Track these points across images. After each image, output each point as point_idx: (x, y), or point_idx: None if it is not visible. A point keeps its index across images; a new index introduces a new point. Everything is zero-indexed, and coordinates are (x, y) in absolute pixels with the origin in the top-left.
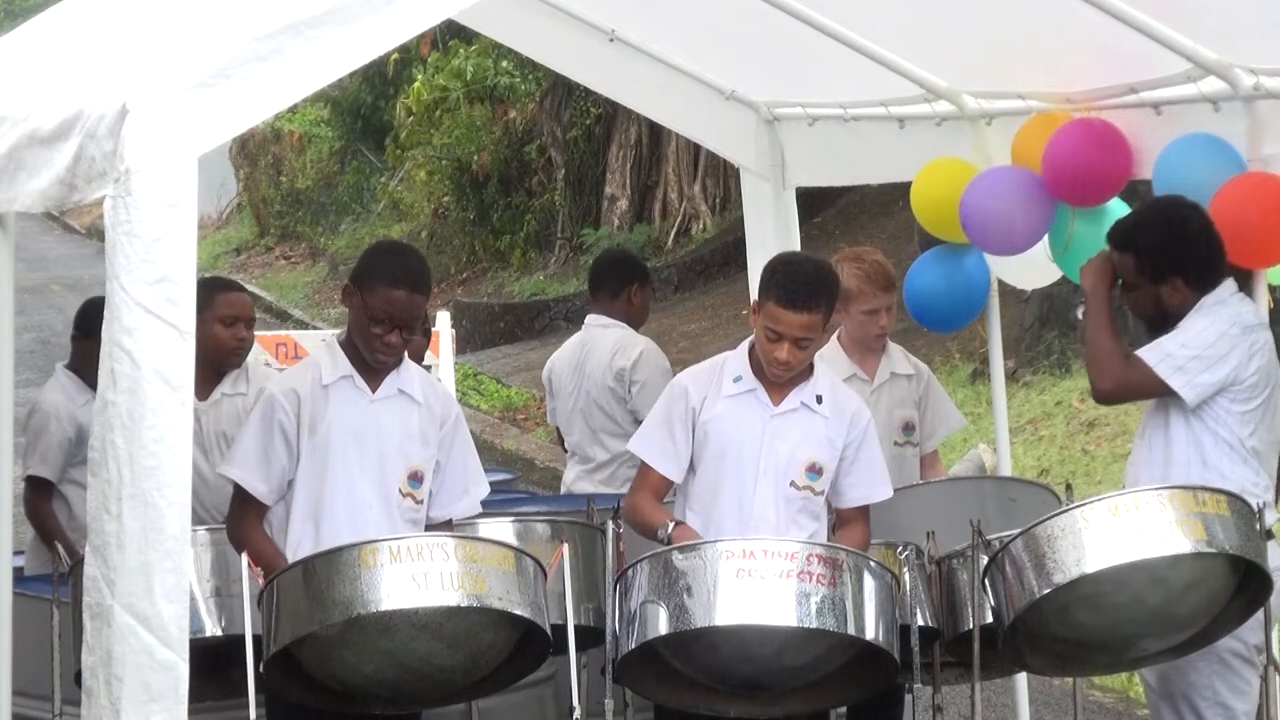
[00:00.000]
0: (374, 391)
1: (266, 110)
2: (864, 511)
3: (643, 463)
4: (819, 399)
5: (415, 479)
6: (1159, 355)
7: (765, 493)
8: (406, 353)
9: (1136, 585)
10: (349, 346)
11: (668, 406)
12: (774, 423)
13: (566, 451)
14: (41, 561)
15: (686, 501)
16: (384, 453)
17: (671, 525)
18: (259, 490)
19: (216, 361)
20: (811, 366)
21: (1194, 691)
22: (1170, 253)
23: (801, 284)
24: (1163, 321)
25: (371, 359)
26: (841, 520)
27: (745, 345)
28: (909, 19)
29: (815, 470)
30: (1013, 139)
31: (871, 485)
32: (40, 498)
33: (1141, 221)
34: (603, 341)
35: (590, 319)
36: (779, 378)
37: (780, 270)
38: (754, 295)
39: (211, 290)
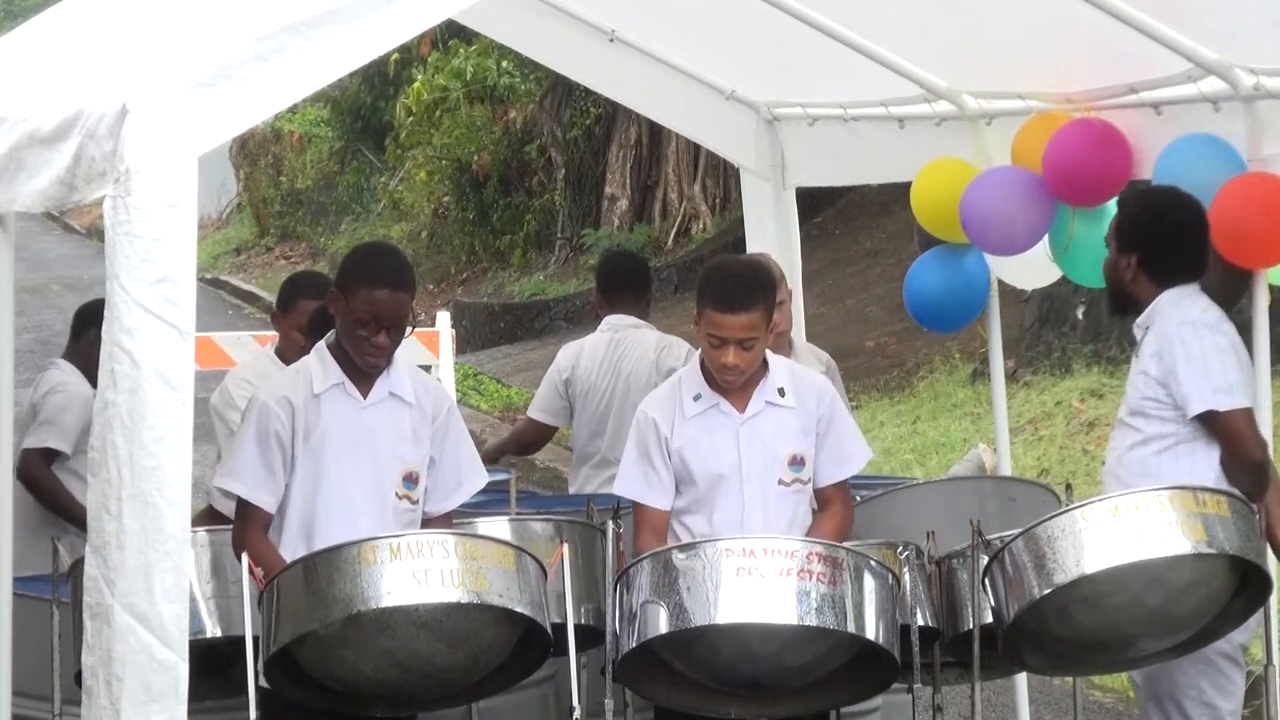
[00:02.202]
0: (365, 397)
1: (266, 110)
2: (842, 489)
3: (635, 503)
4: (781, 392)
5: (410, 480)
6: (1220, 395)
7: (755, 499)
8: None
9: (1136, 585)
10: (338, 351)
11: (641, 440)
12: (744, 430)
13: (573, 451)
14: (30, 561)
15: (683, 523)
16: (378, 458)
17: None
18: (264, 501)
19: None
20: (766, 364)
21: (1180, 691)
22: (1134, 227)
23: (733, 285)
24: (1119, 296)
25: (361, 362)
26: (820, 502)
27: (696, 361)
28: (909, 19)
29: (797, 462)
30: (1013, 139)
31: (842, 461)
32: (48, 471)
33: (1141, 194)
34: (641, 341)
35: (615, 319)
36: (731, 384)
37: (713, 276)
38: None
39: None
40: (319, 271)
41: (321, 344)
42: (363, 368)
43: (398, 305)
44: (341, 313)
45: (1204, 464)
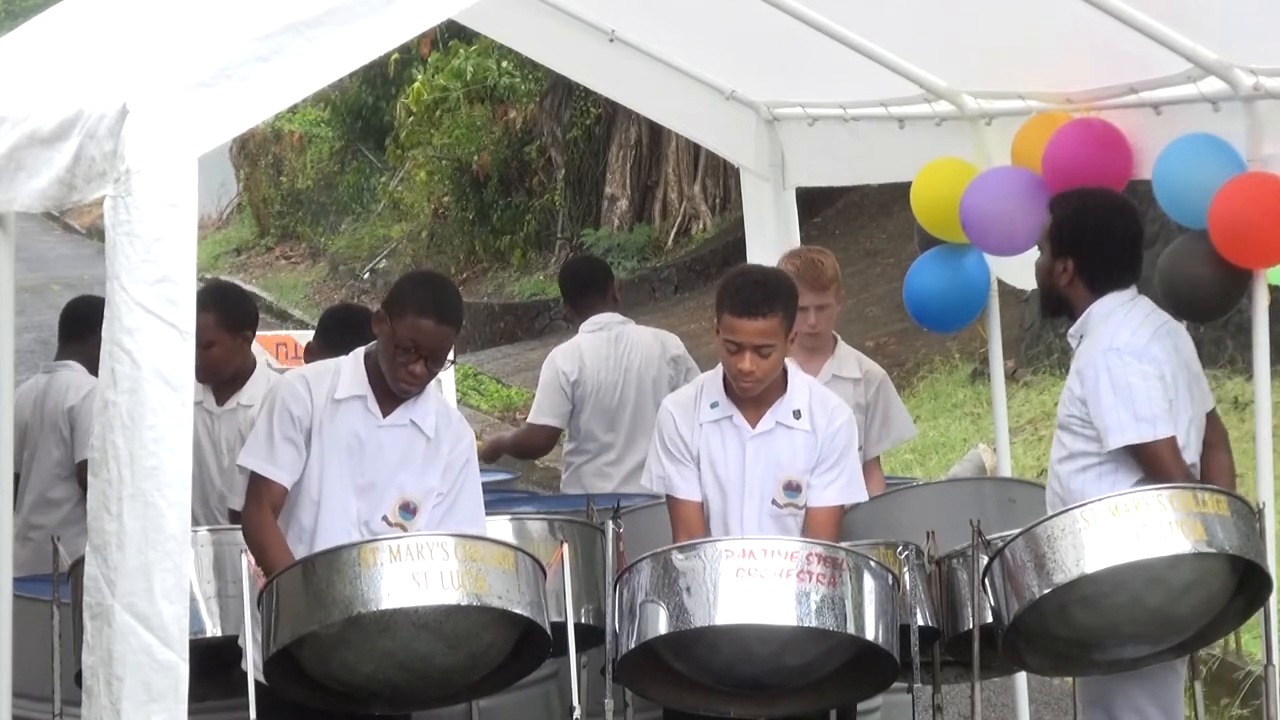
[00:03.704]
0: (384, 416)
1: (266, 110)
2: (831, 520)
3: (668, 497)
4: (797, 414)
5: (407, 510)
6: (1143, 426)
7: (751, 511)
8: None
9: (1136, 585)
10: (372, 365)
11: (664, 436)
12: (752, 445)
13: (573, 450)
14: (22, 563)
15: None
16: (377, 479)
17: None
18: (279, 476)
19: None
20: (786, 381)
21: (1109, 696)
22: (1069, 233)
23: (752, 290)
24: (1052, 300)
25: (395, 387)
26: (810, 526)
27: (720, 369)
28: (909, 19)
29: (793, 488)
30: (1013, 139)
31: (838, 488)
32: None
33: (1073, 196)
34: (639, 334)
35: (600, 319)
36: (748, 392)
37: (732, 282)
38: None
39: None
40: (220, 284)
41: (359, 351)
42: (395, 392)
43: (441, 337)
44: (385, 335)
45: (1125, 486)
